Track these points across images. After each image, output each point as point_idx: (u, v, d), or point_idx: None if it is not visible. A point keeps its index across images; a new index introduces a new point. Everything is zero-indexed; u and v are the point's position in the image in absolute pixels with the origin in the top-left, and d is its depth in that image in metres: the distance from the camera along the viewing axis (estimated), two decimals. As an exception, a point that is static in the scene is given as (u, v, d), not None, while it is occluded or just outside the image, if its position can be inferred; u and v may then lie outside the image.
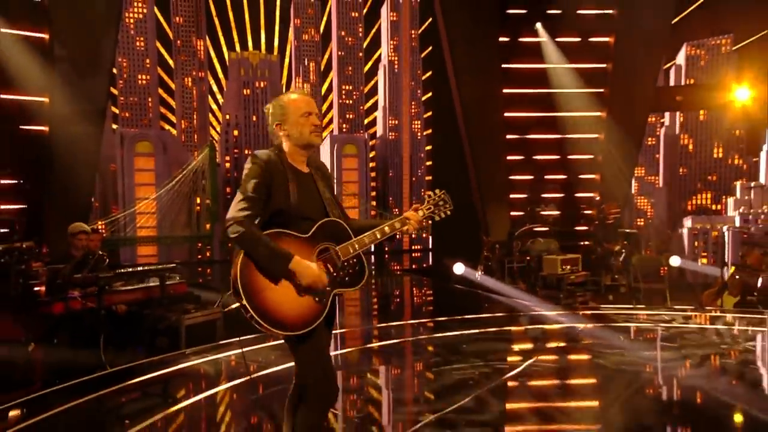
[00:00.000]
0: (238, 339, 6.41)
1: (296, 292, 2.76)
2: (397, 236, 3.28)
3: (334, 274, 2.87)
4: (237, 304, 2.77)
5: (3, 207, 9.56)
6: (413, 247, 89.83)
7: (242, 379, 5.36)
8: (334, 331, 3.33)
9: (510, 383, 5.22)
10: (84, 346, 5.90)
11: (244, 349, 6.34)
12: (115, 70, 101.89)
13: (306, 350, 2.90)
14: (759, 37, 14.40)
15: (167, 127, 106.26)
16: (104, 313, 6.19)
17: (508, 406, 4.72)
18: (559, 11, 12.53)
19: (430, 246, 26.48)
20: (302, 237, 2.78)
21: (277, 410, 4.20)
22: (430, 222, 3.19)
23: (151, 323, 6.77)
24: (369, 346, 7.71)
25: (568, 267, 9.80)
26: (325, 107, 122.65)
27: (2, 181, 9.75)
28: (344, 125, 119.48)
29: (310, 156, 3.07)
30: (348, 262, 2.93)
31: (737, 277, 8.40)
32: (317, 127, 2.95)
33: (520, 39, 12.57)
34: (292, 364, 2.95)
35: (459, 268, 12.11)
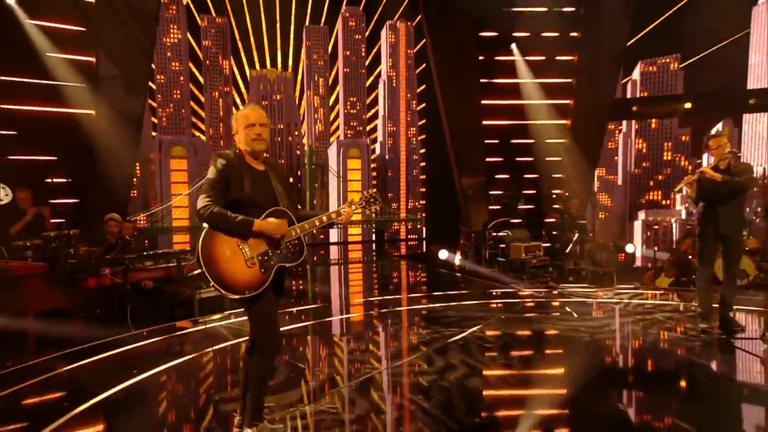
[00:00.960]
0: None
1: (245, 265, 2.91)
2: (338, 225, 3.45)
3: (278, 251, 3.02)
4: (199, 271, 3.04)
5: (58, 201, 9.53)
6: (409, 237, 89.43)
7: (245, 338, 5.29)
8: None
9: (454, 344, 5.16)
10: (115, 315, 6.34)
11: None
12: (154, 86, 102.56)
13: (255, 311, 3.07)
14: (701, 57, 12.59)
15: (197, 134, 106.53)
16: (129, 288, 6.49)
17: (451, 360, 4.60)
18: (527, 33, 12.35)
19: (424, 235, 26.74)
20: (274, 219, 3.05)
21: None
22: (373, 214, 3.40)
23: (170, 297, 6.95)
24: (347, 316, 7.64)
25: (531, 253, 9.82)
26: (332, 116, 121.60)
27: (58, 180, 9.81)
28: (349, 132, 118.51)
29: (267, 158, 3.22)
30: (291, 243, 3.07)
31: (672, 260, 8.51)
32: (258, 135, 3.02)
33: (496, 57, 12.44)
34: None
35: (443, 254, 12.22)
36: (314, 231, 3.28)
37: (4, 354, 5.45)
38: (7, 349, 5.42)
